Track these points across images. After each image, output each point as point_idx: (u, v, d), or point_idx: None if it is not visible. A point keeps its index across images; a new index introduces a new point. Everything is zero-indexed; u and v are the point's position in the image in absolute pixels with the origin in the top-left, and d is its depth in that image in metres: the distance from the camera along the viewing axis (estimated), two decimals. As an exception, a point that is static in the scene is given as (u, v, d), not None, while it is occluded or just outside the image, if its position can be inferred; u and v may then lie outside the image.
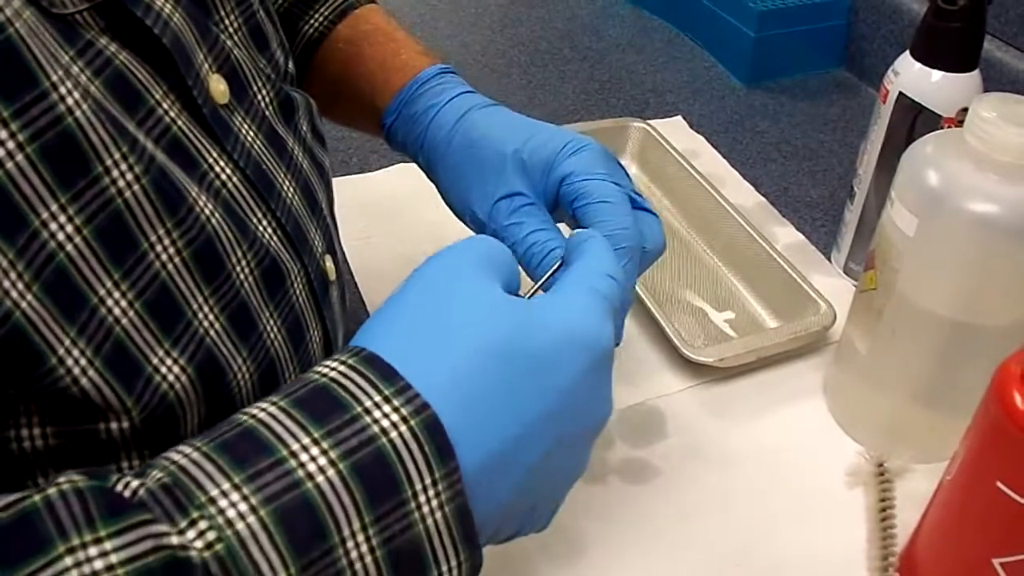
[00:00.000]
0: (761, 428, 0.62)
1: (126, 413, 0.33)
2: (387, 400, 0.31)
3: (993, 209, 0.49)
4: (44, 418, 0.32)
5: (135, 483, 0.29)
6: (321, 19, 0.61)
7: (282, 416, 0.31)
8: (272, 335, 0.40)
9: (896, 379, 0.57)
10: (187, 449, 0.31)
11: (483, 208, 0.50)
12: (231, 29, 0.44)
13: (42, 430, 0.33)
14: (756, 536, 0.55)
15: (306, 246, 0.44)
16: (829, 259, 0.77)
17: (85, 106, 0.32)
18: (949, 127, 0.64)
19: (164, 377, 0.34)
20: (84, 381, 0.32)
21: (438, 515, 0.31)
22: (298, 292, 0.43)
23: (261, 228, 0.41)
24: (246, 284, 0.39)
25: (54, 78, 0.31)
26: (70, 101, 0.32)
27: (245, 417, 0.32)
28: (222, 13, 0.44)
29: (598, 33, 1.11)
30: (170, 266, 0.35)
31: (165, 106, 0.37)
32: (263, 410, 0.32)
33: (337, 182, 0.83)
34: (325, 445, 0.30)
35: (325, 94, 0.56)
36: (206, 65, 0.40)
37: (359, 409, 0.31)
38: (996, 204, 0.49)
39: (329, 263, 0.48)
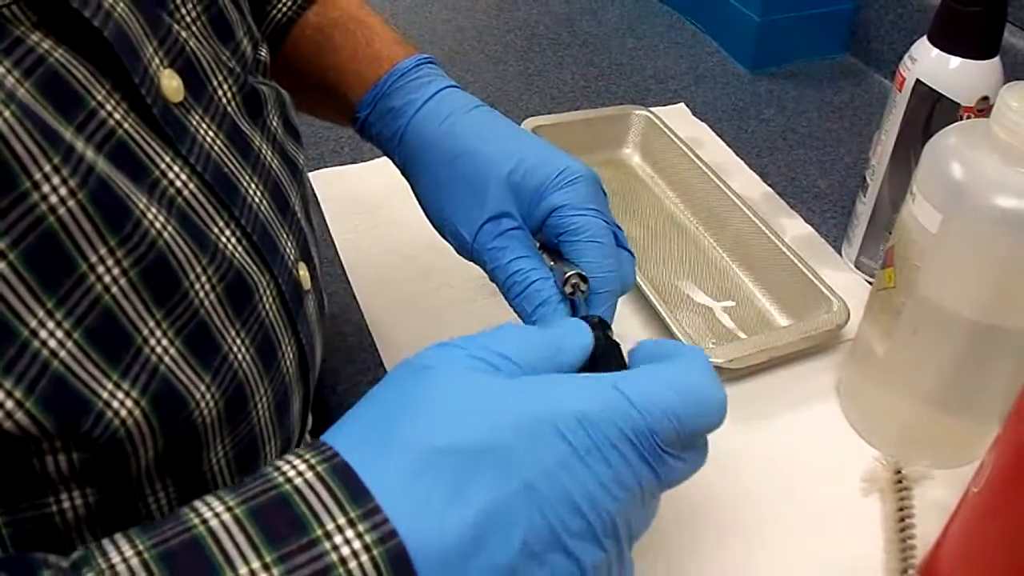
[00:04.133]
0: (772, 431, 0.60)
1: (65, 452, 0.30)
2: (352, 524, 0.28)
3: (1022, 205, 0.47)
4: None
5: None
6: (289, 3, 0.57)
7: (235, 529, 0.28)
8: (239, 357, 0.37)
9: (916, 382, 0.55)
10: (127, 549, 0.28)
11: (468, 228, 0.48)
12: (188, 19, 0.41)
13: None
14: (766, 544, 0.53)
15: (276, 255, 0.41)
16: (839, 252, 0.74)
17: (7, 113, 0.29)
18: (968, 116, 0.62)
19: (116, 412, 0.31)
20: (8, 424, 0.28)
21: None
22: (267, 307, 0.40)
23: (223, 239, 0.38)
24: (206, 303, 0.36)
25: None
26: None
27: (194, 520, 0.29)
28: (177, 2, 0.40)
29: (597, 17, 1.08)
30: (114, 289, 0.32)
31: (108, 107, 0.34)
32: (216, 515, 0.28)
33: (329, 172, 0.81)
34: (276, 572, 0.27)
35: (293, 83, 0.53)
36: (156, 60, 0.36)
37: (319, 532, 0.28)
38: (1025, 199, 0.47)
39: (303, 271, 0.45)
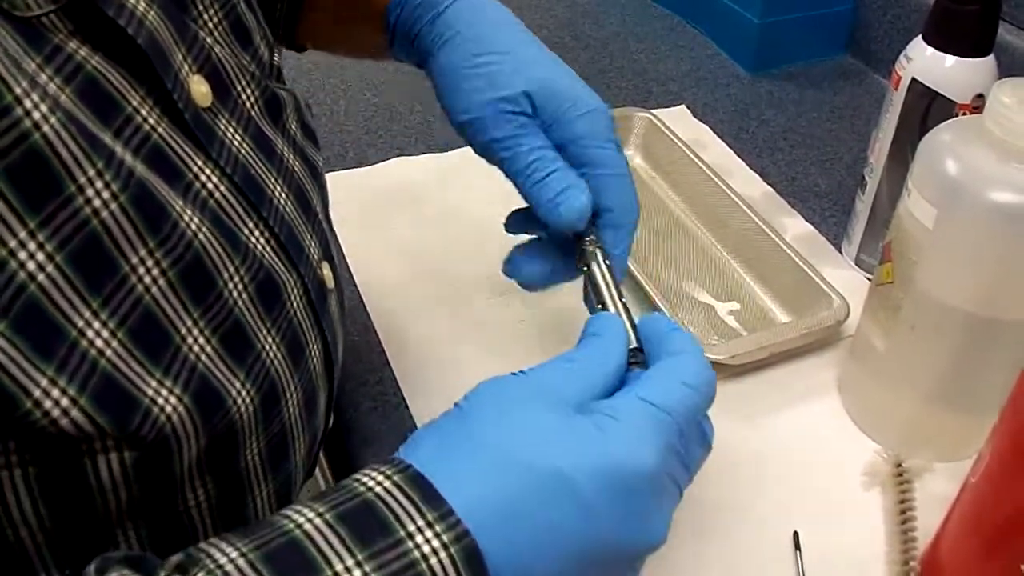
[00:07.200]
0: (774, 427, 0.60)
1: (117, 451, 0.31)
2: (430, 525, 0.31)
3: (1016, 199, 0.47)
4: (25, 457, 0.30)
5: None
6: None
7: (328, 532, 0.31)
8: (271, 354, 0.38)
9: (915, 376, 0.55)
10: (231, 551, 0.30)
11: (486, 112, 0.48)
12: (210, 25, 0.42)
13: (23, 470, 0.30)
14: (770, 538, 0.54)
15: (302, 255, 0.42)
16: (839, 250, 0.75)
17: (54, 119, 0.30)
18: (964, 114, 0.62)
19: (162, 409, 0.32)
20: (65, 422, 0.29)
21: None
22: (295, 305, 0.41)
23: (253, 239, 0.38)
24: (239, 302, 0.37)
25: (18, 91, 0.29)
26: (36, 115, 0.29)
27: (289, 524, 0.31)
28: (200, 8, 0.41)
29: (599, 21, 1.09)
30: (154, 289, 0.33)
31: (143, 113, 0.35)
32: (309, 520, 0.31)
33: (334, 176, 0.82)
34: (368, 567, 0.30)
35: (321, 16, 0.53)
36: (186, 66, 0.37)
37: (402, 533, 0.31)
38: (1019, 193, 0.47)
39: (327, 271, 0.46)
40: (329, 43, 0.58)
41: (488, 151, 0.49)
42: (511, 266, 0.50)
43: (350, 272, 0.72)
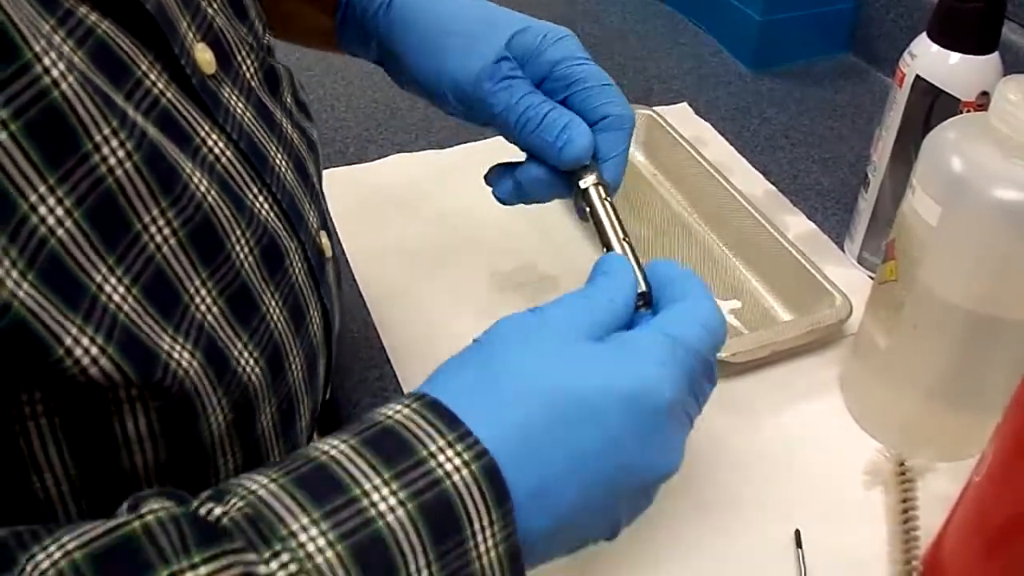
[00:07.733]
0: (775, 425, 0.60)
1: (142, 402, 0.32)
2: (450, 445, 0.32)
3: (1021, 196, 0.47)
4: (51, 407, 0.31)
5: (218, 510, 0.30)
6: None
7: (354, 455, 0.32)
8: (275, 317, 0.39)
9: (918, 374, 0.55)
10: (262, 479, 0.31)
11: (467, 75, 0.49)
12: None
13: (49, 420, 0.31)
14: (771, 537, 0.53)
15: (302, 222, 0.43)
16: (842, 248, 0.74)
17: (71, 78, 0.30)
18: (968, 111, 0.62)
19: (179, 363, 0.33)
20: (94, 371, 0.30)
21: (492, 553, 0.33)
22: (297, 271, 0.41)
23: (258, 204, 0.39)
24: (246, 264, 0.37)
25: (37, 48, 0.29)
26: (55, 73, 0.30)
27: (315, 452, 0.32)
28: None
29: (599, 19, 1.08)
30: (165, 248, 0.33)
31: (152, 77, 0.35)
32: (334, 447, 0.32)
33: (333, 172, 0.81)
34: (395, 486, 0.31)
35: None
36: (191, 34, 0.38)
37: (425, 453, 0.32)
38: (1024, 191, 0.47)
39: (324, 239, 0.46)
40: (277, 24, 0.58)
41: (477, 116, 0.51)
42: (516, 168, 0.51)
43: (350, 268, 0.71)
